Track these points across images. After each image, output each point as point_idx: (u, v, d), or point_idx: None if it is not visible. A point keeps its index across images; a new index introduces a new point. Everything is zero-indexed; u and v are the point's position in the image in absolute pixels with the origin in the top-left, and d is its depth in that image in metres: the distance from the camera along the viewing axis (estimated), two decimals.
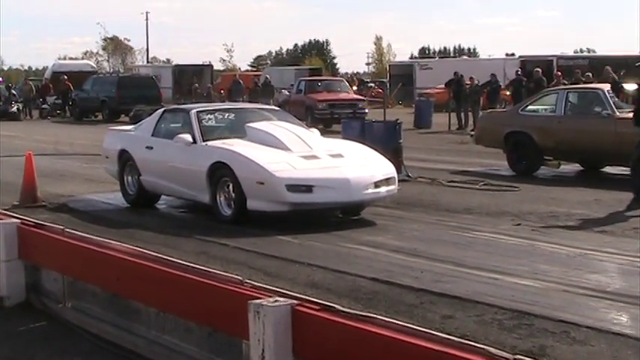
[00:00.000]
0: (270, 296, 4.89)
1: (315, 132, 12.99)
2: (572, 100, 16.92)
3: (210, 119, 12.76)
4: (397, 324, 4.37)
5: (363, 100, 35.59)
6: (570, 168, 17.43)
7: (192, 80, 55.28)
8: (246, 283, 5.28)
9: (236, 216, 11.29)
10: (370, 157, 11.97)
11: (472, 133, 22.78)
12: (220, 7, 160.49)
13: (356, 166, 11.47)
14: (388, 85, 54.61)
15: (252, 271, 8.64)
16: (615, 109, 15.65)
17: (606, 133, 15.51)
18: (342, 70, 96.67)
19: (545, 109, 17.32)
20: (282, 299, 4.81)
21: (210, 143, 11.99)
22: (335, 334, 4.48)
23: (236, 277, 5.49)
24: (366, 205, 11.83)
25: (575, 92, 17.54)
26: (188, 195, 12.30)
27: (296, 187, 10.88)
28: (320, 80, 39.30)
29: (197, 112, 12.70)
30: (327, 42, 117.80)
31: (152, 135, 13.22)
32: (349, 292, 7.83)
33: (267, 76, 45.22)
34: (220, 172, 11.44)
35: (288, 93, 38.63)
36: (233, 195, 11.29)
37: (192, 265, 6.08)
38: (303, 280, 8.31)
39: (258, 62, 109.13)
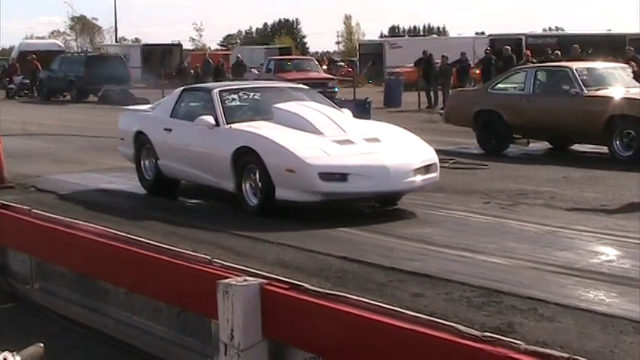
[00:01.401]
0: (239, 276, 4.90)
1: (346, 112, 11.97)
2: (540, 78, 16.93)
3: (234, 99, 11.84)
4: (366, 302, 4.39)
5: (333, 79, 35.58)
6: (539, 146, 17.53)
7: (162, 60, 54.95)
8: (214, 262, 5.28)
9: (263, 206, 10.43)
10: (409, 142, 11.02)
11: (442, 111, 22.79)
12: None
13: (394, 151, 10.45)
14: (358, 63, 54.65)
15: (221, 250, 8.56)
16: (584, 88, 15.66)
17: (574, 111, 15.52)
18: (312, 50, 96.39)
19: (514, 88, 17.31)
20: (251, 279, 4.81)
21: (234, 126, 11.07)
22: (304, 313, 4.49)
23: (205, 256, 5.49)
24: (403, 195, 10.85)
25: (543, 71, 17.55)
26: (210, 182, 11.36)
27: (329, 175, 9.94)
28: (290, 59, 39.29)
29: (220, 91, 11.76)
30: (296, 21, 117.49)
31: (171, 116, 12.36)
32: (319, 271, 7.81)
33: (239, 55, 45.06)
34: (246, 158, 10.55)
35: (257, 72, 38.51)
36: (260, 183, 10.41)
37: (161, 245, 6.07)
38: (273, 260, 8.27)
39: (228, 41, 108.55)
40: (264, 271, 5.59)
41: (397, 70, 44.82)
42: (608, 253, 8.31)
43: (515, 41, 42.57)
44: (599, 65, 17.48)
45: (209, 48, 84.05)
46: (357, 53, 62.22)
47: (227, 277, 4.84)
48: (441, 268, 7.75)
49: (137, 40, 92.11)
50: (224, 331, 4.72)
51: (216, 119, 11.22)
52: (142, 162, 12.79)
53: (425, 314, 5.67)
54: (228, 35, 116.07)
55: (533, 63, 29.26)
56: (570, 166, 14.23)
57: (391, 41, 61.72)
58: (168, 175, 12.27)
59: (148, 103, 36.90)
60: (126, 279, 6.04)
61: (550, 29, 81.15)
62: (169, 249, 5.85)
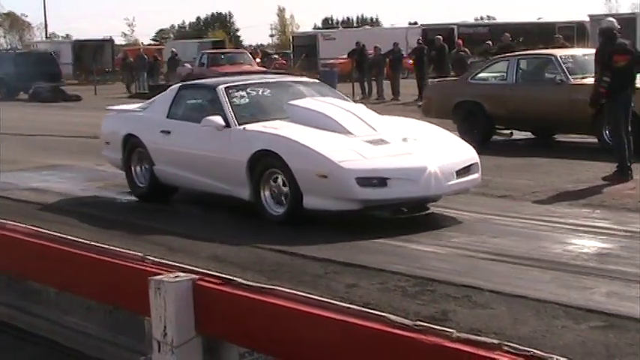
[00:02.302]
0: (171, 272, 4.83)
1: (362, 107, 10.97)
2: (523, 67, 16.30)
3: (242, 97, 10.61)
4: (299, 295, 4.37)
5: (267, 72, 35.42)
6: (524, 136, 16.94)
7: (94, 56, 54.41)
8: (146, 259, 5.21)
9: (289, 215, 9.31)
10: (446, 140, 10.11)
11: (419, 103, 21.94)
12: None
13: (433, 151, 9.46)
14: (292, 56, 54.64)
15: (154, 246, 8.54)
16: (569, 75, 15.06)
17: (560, 100, 14.90)
18: (246, 43, 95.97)
19: (496, 77, 16.67)
20: (183, 274, 4.75)
21: (248, 127, 9.94)
22: (237, 308, 4.46)
23: (136, 253, 5.42)
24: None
25: (526, 59, 16.87)
26: (220, 189, 10.22)
27: (367, 180, 8.91)
28: (223, 53, 39.17)
29: (225, 87, 10.60)
30: (230, 14, 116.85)
31: (168, 117, 11.12)
32: (253, 265, 7.81)
33: (173, 49, 44.80)
34: (265, 163, 9.46)
35: (190, 66, 38.28)
36: (284, 190, 9.34)
37: (91, 242, 5.98)
38: (207, 254, 8.25)
39: (161, 36, 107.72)
40: (198, 267, 5.54)
41: (331, 61, 44.86)
42: (539, 239, 8.41)
43: (447, 31, 42.86)
44: (583, 52, 16.65)
45: (142, 43, 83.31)
46: (291, 45, 62.17)
47: (159, 274, 4.77)
48: (375, 259, 7.79)
49: (68, 36, 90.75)
50: (157, 328, 4.66)
51: (225, 119, 10.09)
52: (132, 168, 11.59)
53: (359, 305, 5.69)
54: (161, 30, 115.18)
55: (465, 52, 29.69)
56: (503, 156, 14.27)
57: (324, 33, 61.88)
58: (166, 182, 11.12)
59: (80, 99, 36.81)
60: (56, 278, 5.94)
61: (482, 18, 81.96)
62: (100, 246, 5.77)
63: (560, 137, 16.40)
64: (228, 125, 10.04)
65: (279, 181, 9.36)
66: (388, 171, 9.00)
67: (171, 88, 11.93)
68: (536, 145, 16.32)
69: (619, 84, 11.65)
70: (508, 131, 16.82)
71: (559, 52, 16.22)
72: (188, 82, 12.79)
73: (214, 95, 10.55)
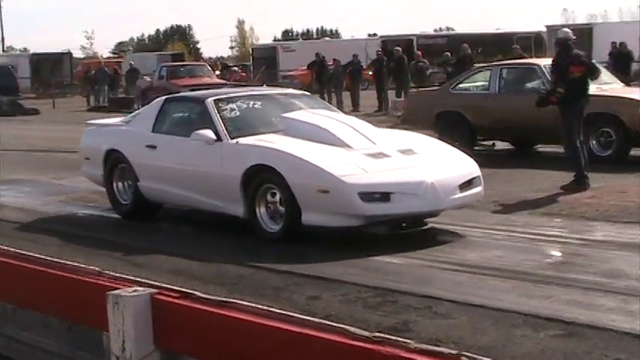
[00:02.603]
0: (130, 286, 4.82)
1: (357, 119, 10.73)
2: (506, 76, 15.98)
3: (232, 110, 10.21)
4: (258, 308, 4.37)
5: (226, 84, 35.40)
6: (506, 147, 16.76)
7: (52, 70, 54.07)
8: (105, 273, 5.19)
9: (286, 233, 8.97)
10: (447, 153, 9.78)
11: (399, 114, 21.57)
12: None
13: (435, 164, 9.18)
14: (252, 68, 54.59)
15: (116, 261, 8.49)
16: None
17: (544, 109, 14.05)
18: (206, 55, 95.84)
19: (478, 87, 16.40)
20: (141, 289, 4.73)
21: (241, 140, 9.61)
22: (195, 321, 4.44)
23: (94, 268, 5.39)
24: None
25: (509, 68, 16.52)
26: (211, 206, 9.84)
27: (370, 195, 8.60)
28: (182, 65, 39.03)
29: (215, 100, 10.22)
30: (189, 27, 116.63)
31: (153, 131, 10.67)
32: (214, 278, 7.78)
33: (131, 62, 44.65)
34: (261, 178, 9.11)
35: (149, 79, 38.13)
36: (280, 207, 9.04)
37: (49, 258, 5.94)
38: (168, 269, 8.20)
39: (120, 49, 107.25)
40: (159, 281, 5.52)
41: (291, 73, 44.99)
42: (499, 249, 8.45)
43: (406, 42, 43.18)
44: None
45: (101, 56, 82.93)
46: (251, 58, 62.12)
47: (117, 288, 4.75)
48: (335, 270, 7.78)
49: (25, 49, 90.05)
50: (115, 343, 4.64)
51: (216, 133, 9.73)
52: (114, 184, 11.15)
53: (321, 317, 5.69)
54: (120, 42, 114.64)
55: (425, 63, 29.86)
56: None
57: (284, 45, 61.86)
58: (152, 198, 10.69)
59: (38, 113, 36.52)
60: (14, 294, 5.89)
61: (441, 29, 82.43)
62: (58, 262, 5.73)
63: (543, 147, 16.20)
64: (219, 139, 9.68)
65: (276, 197, 9.04)
66: (391, 185, 8.70)
67: (155, 100, 11.49)
68: (516, 155, 16.10)
69: (573, 94, 11.78)
70: (490, 142, 16.58)
71: (542, 62, 15.89)
72: (174, 95, 12.40)
73: (203, 108, 10.19)
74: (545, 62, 15.68)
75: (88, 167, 11.76)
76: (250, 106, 10.48)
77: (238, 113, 10.21)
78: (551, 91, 12.18)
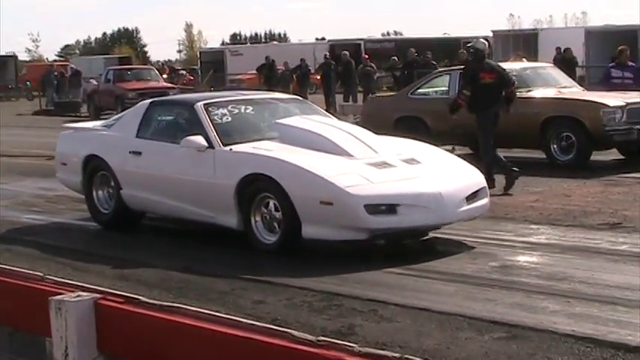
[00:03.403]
0: (73, 291, 4.76)
1: (356, 126, 10.48)
2: None
3: (224, 115, 9.66)
4: (204, 312, 4.34)
5: (174, 88, 35.24)
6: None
7: None
8: (47, 279, 5.12)
9: (283, 245, 8.50)
10: (452, 163, 9.43)
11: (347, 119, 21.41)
12: None
13: (441, 175, 8.82)
14: (199, 71, 54.42)
15: (59, 266, 8.43)
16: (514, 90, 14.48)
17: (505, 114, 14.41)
18: (153, 59, 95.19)
19: (437, 92, 16.16)
20: (84, 294, 4.67)
21: (235, 148, 9.13)
22: (140, 327, 4.40)
23: (37, 273, 5.31)
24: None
25: None
26: (202, 216, 9.33)
27: (376, 207, 8.16)
28: (129, 69, 38.80)
29: (205, 104, 9.70)
30: (136, 30, 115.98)
31: (137, 136, 10.12)
32: (160, 283, 7.75)
33: (72, 66, 44.45)
34: (256, 187, 8.65)
35: (96, 82, 37.86)
36: (277, 215, 8.55)
37: None
38: (112, 274, 8.15)
39: (67, 52, 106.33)
40: (103, 286, 5.48)
41: (239, 77, 44.94)
42: (443, 252, 8.51)
43: (353, 46, 43.30)
44: (527, 65, 16.83)
45: (47, 59, 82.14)
46: (199, 61, 61.94)
47: (60, 294, 4.69)
48: (281, 273, 7.79)
49: None
50: (58, 349, 4.58)
51: (207, 139, 9.22)
52: (94, 192, 10.56)
53: (266, 321, 5.69)
54: (67, 45, 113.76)
55: (372, 68, 30.00)
56: None
57: (232, 49, 61.86)
58: (135, 207, 10.18)
59: None
60: None
61: (388, 34, 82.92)
62: None
63: (504, 152, 16.11)
64: (210, 146, 9.18)
65: (271, 206, 8.59)
66: (398, 197, 8.27)
67: (139, 104, 10.89)
68: (474, 160, 16.01)
69: (485, 100, 12.28)
70: (450, 147, 15.96)
71: (503, 66, 15.68)
72: (160, 99, 11.73)
73: (192, 113, 9.66)
74: (506, 66, 15.77)
75: (65, 174, 11.21)
76: (242, 111, 9.92)
77: (230, 119, 9.67)
78: (458, 93, 12.92)
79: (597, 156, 14.32)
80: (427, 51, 29.35)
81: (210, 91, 48.18)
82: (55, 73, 41.75)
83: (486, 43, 13.15)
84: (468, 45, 13.79)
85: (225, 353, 4.01)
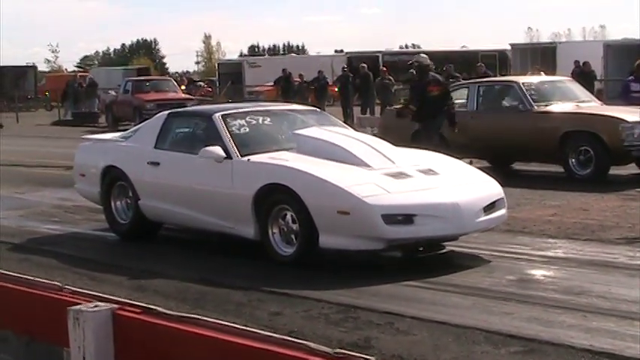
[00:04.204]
0: (90, 301, 4.77)
1: (374, 137, 10.47)
2: (485, 94, 15.87)
3: (242, 126, 9.71)
4: (221, 324, 4.34)
5: (192, 99, 35.34)
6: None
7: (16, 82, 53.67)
8: (65, 289, 5.14)
9: (300, 255, 8.49)
10: (470, 174, 9.43)
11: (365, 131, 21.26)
12: (41, 7, 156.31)
13: (458, 185, 8.82)
14: (217, 83, 54.56)
15: (76, 276, 8.46)
16: (533, 103, 14.79)
17: (524, 128, 14.58)
18: (171, 70, 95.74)
19: (456, 105, 15.55)
20: (102, 304, 4.69)
21: (253, 158, 9.15)
22: (157, 337, 4.42)
23: (55, 283, 5.34)
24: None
25: (487, 86, 16.53)
26: (220, 227, 9.35)
27: (393, 217, 8.15)
28: (147, 80, 38.89)
29: (222, 115, 9.74)
30: (155, 41, 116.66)
31: (155, 147, 10.20)
32: (177, 294, 7.76)
33: (90, 77, 44.69)
34: (274, 198, 8.65)
35: (115, 93, 38.03)
36: (294, 227, 8.54)
37: (7, 272, 5.88)
38: (129, 284, 8.17)
39: (85, 63, 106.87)
40: (120, 297, 5.50)
41: (257, 89, 45.02)
42: (460, 265, 8.49)
43: (372, 59, 43.33)
44: (545, 79, 16.79)
45: (65, 70, 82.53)
46: (217, 73, 62.10)
47: (78, 304, 4.71)
48: (297, 286, 7.79)
49: None
50: (76, 359, 4.60)
51: (226, 150, 9.25)
52: (112, 203, 10.60)
53: (283, 333, 5.68)
54: (85, 56, 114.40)
55: (390, 80, 30.01)
56: None
57: (250, 60, 61.94)
58: (153, 218, 10.21)
59: (1, 127, 36.23)
60: None
61: (407, 46, 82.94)
62: (16, 276, 5.67)
63: (521, 166, 16.08)
64: (228, 156, 9.21)
65: (288, 217, 8.57)
66: (416, 207, 8.27)
67: (157, 115, 10.93)
68: (492, 173, 15.92)
69: (432, 111, 13.34)
70: (468, 160, 16.53)
71: (521, 80, 15.96)
72: (178, 110, 11.75)
73: (210, 124, 9.69)
74: (524, 80, 16.02)
75: (83, 184, 11.27)
76: (259, 122, 10.00)
77: (247, 129, 9.72)
78: (406, 106, 14.42)
79: (615, 170, 14.27)
80: (449, 64, 29.24)
81: (228, 102, 48.53)
82: (76, 84, 41.97)
83: (427, 57, 14.14)
84: (411, 62, 15.18)
85: None
